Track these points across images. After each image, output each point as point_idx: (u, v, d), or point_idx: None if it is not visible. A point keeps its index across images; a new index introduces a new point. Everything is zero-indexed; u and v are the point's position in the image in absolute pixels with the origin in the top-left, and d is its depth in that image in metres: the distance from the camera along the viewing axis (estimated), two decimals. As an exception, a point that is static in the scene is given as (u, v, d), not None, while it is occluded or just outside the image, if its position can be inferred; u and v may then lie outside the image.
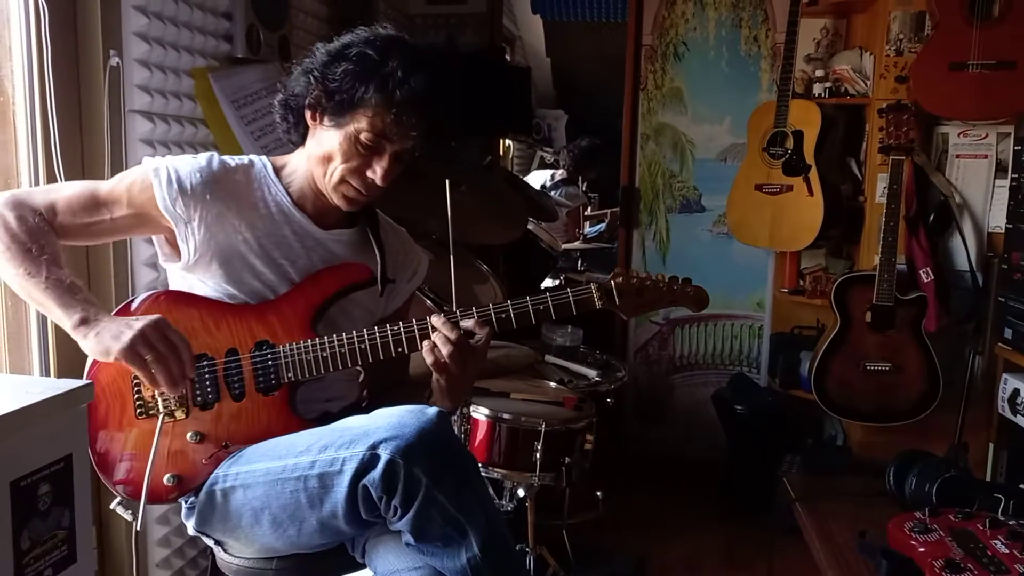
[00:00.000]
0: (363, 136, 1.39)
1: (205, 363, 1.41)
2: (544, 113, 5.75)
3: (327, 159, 1.43)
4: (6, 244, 1.34)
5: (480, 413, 2.12)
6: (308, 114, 1.44)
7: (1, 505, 1.07)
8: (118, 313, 1.42)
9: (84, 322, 1.31)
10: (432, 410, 1.28)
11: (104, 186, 1.44)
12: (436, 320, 1.39)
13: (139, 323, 1.29)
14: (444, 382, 1.42)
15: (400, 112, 1.36)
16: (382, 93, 1.35)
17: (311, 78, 1.42)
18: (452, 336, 1.37)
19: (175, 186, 1.40)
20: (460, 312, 1.41)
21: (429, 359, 1.39)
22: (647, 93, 3.54)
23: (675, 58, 3.49)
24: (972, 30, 2.57)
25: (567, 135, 5.62)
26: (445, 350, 1.37)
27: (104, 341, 1.28)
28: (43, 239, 1.36)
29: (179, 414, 1.41)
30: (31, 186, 1.74)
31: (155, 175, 1.41)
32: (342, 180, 1.43)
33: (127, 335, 1.27)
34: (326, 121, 1.42)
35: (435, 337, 1.39)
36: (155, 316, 1.32)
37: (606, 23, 5.66)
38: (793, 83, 2.96)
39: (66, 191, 1.43)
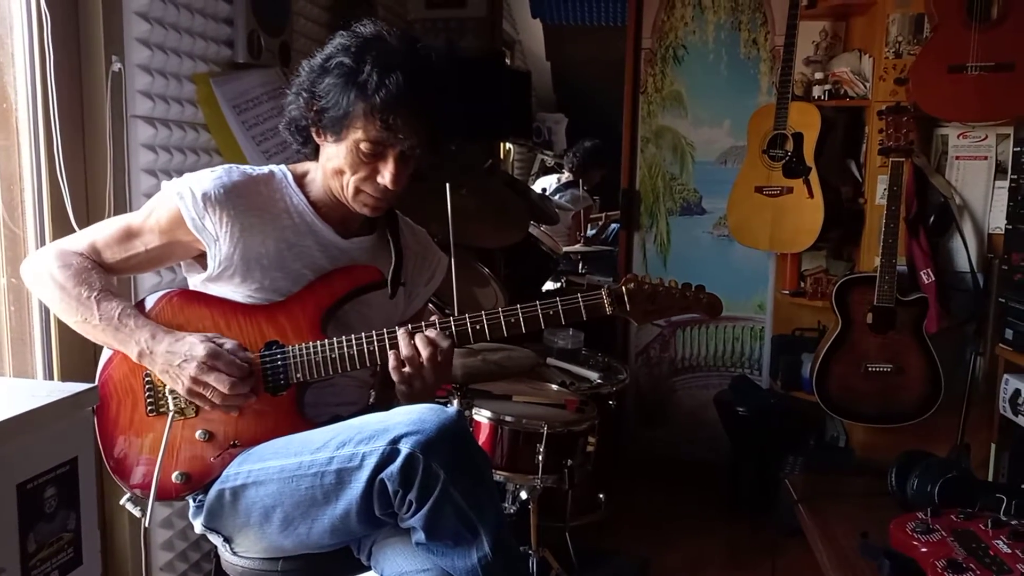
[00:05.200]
0: (362, 146, 1.39)
1: None
2: (544, 116, 5.75)
3: (339, 173, 1.44)
4: (59, 296, 1.41)
5: (482, 415, 2.12)
6: (313, 132, 1.45)
7: (8, 508, 1.07)
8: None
9: (141, 355, 1.39)
10: (451, 408, 1.30)
11: (136, 218, 1.47)
12: (428, 331, 1.39)
13: (190, 365, 1.34)
14: (408, 390, 1.41)
15: (386, 115, 1.36)
16: (364, 101, 1.35)
17: (302, 99, 1.43)
18: (431, 347, 1.37)
19: (201, 204, 1.41)
20: (468, 317, 1.40)
21: (393, 365, 1.38)
22: (647, 96, 3.55)
23: (675, 61, 3.50)
24: (971, 32, 2.58)
25: (567, 138, 5.62)
26: (422, 354, 1.37)
27: (170, 382, 1.38)
28: (89, 277, 1.41)
29: (189, 412, 1.42)
30: (34, 191, 1.75)
31: (180, 199, 1.42)
32: (357, 191, 1.44)
33: (183, 382, 1.35)
34: (328, 137, 1.43)
35: (408, 343, 1.38)
36: (202, 353, 1.34)
37: (605, 27, 5.67)
38: (792, 85, 2.97)
39: (102, 229, 1.48)
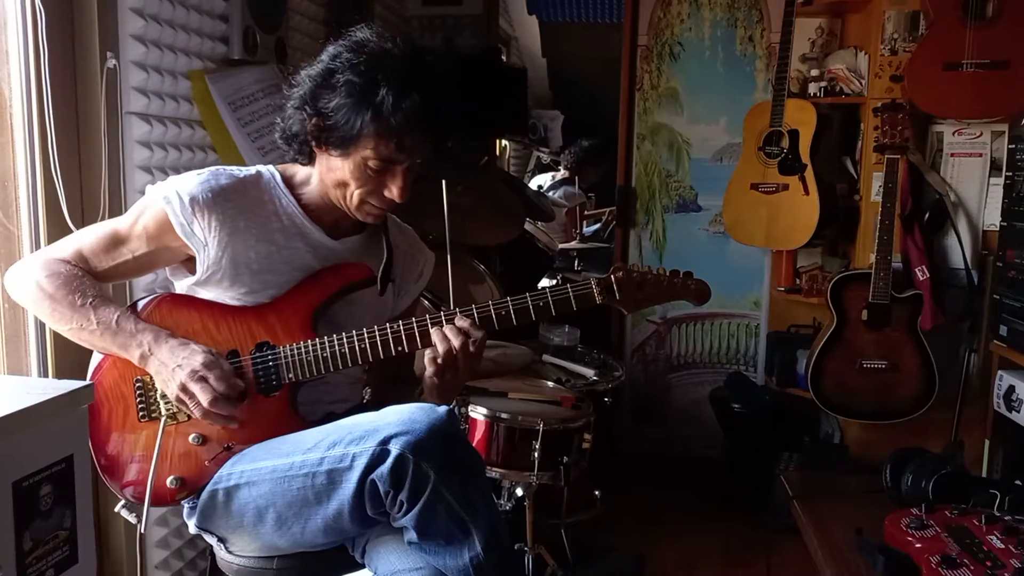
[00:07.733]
0: (371, 163, 1.39)
1: None
2: (540, 114, 5.74)
3: (342, 184, 1.43)
4: (49, 307, 1.39)
5: (478, 412, 2.12)
6: (313, 144, 1.43)
7: (3, 505, 1.07)
8: None
9: (143, 358, 1.38)
10: (442, 408, 1.29)
11: (122, 224, 1.45)
12: (458, 321, 1.38)
13: (183, 371, 1.34)
14: (439, 381, 1.41)
15: (401, 135, 1.36)
16: (378, 123, 1.34)
17: (305, 113, 1.40)
18: (463, 337, 1.37)
19: (189, 208, 1.39)
20: (459, 311, 1.41)
21: (429, 356, 1.39)
22: (643, 93, 3.55)
23: (671, 58, 3.50)
24: (966, 30, 2.59)
25: (563, 135, 5.62)
26: (453, 344, 1.37)
27: (161, 384, 1.39)
28: (81, 284, 1.39)
29: (181, 417, 1.41)
30: (28, 188, 1.74)
31: (167, 203, 1.40)
32: (362, 202, 1.44)
33: (172, 387, 1.36)
34: (332, 151, 1.41)
35: (441, 334, 1.38)
36: (200, 362, 1.34)
37: (602, 24, 5.67)
38: (788, 83, 2.97)
39: (89, 236, 1.45)
